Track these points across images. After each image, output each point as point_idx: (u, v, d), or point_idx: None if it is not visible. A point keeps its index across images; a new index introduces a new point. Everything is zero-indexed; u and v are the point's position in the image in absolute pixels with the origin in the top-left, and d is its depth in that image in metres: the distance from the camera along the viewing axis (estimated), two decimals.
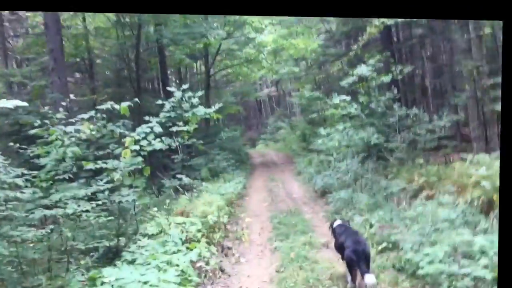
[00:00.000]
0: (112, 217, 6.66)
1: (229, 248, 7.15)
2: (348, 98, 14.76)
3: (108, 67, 20.97)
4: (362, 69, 12.97)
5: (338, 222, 5.89)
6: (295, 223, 8.29)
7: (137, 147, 8.81)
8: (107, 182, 7.65)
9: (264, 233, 8.18)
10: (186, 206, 8.15)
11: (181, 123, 11.14)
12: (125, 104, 8.20)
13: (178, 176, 10.02)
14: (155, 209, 7.74)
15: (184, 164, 13.82)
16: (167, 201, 8.59)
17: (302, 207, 10.36)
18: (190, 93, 11.44)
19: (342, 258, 5.27)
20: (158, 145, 9.08)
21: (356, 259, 4.78)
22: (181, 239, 6.30)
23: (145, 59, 20.17)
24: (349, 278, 5.05)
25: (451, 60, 14.31)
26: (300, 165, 17.73)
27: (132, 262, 5.52)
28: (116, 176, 8.15)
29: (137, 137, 9.07)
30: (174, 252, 5.76)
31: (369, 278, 4.53)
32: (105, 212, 6.84)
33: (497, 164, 9.36)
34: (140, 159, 8.72)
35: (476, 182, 8.74)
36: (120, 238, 6.30)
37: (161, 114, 11.16)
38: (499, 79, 10.30)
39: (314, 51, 22.81)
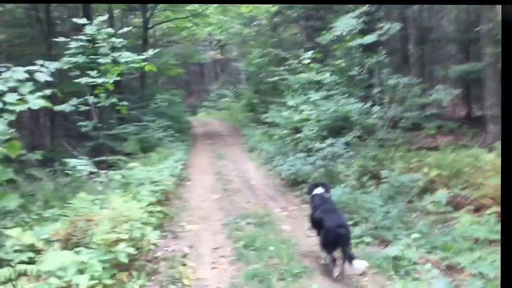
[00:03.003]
0: None
1: None
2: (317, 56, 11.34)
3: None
4: (348, 22, 9.41)
5: (319, 190, 4.71)
6: (276, 249, 4.62)
7: None
8: None
9: (220, 263, 4.53)
10: (81, 221, 4.16)
11: (93, 74, 6.99)
12: None
13: (76, 159, 5.96)
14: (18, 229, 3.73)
15: (103, 133, 9.63)
16: (48, 210, 4.54)
17: (270, 205, 6.80)
18: (110, 30, 7.28)
19: (318, 234, 4.36)
20: (37, 102, 4.99)
21: (336, 242, 3.95)
22: None
23: None
24: (328, 259, 4.10)
25: (440, 22, 11.25)
26: (251, 139, 14.14)
27: None
28: None
29: None
30: None
31: (361, 264, 3.74)
32: None
33: None
34: (2, 126, 4.67)
35: None
36: None
37: (63, 59, 6.99)
38: None
39: (268, 11, 18.91)
